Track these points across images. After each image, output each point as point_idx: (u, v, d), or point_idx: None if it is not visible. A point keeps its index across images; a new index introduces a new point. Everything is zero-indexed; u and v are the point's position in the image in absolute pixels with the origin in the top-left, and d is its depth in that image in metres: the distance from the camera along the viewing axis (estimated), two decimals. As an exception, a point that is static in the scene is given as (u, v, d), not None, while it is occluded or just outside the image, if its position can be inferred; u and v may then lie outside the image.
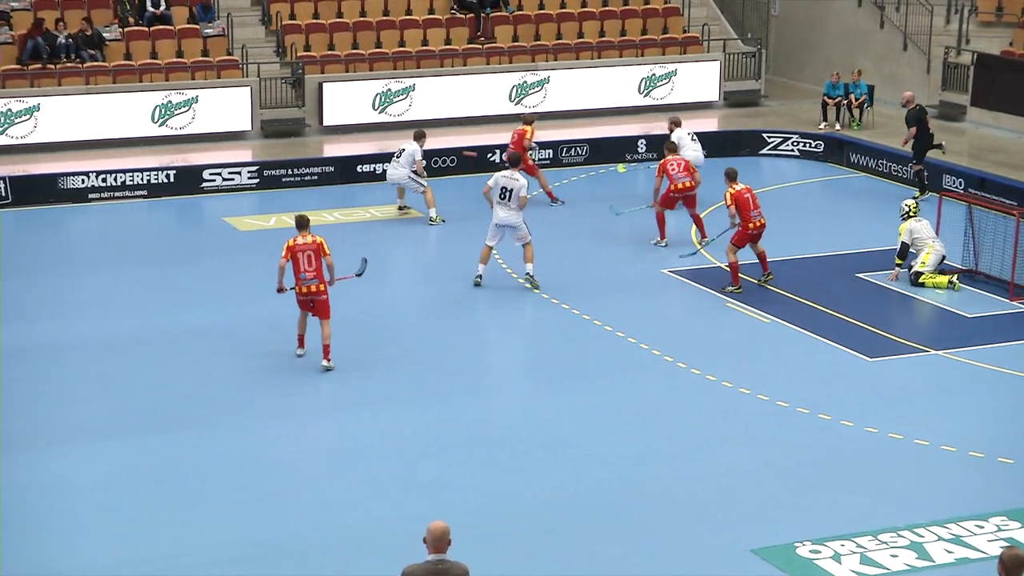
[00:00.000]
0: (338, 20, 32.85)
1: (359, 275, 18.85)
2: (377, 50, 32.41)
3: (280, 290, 18.35)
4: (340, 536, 14.08)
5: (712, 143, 29.78)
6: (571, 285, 21.79)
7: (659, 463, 15.82)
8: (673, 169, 23.72)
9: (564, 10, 34.58)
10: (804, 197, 28.28)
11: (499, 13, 33.94)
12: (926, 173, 26.89)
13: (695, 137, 26.65)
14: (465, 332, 20.22)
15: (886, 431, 16.50)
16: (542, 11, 34.43)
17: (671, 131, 26.88)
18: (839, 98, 32.14)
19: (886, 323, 20.33)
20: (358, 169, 28.31)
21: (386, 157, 26.52)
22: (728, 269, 21.62)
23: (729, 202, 21.46)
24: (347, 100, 31.23)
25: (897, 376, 18.66)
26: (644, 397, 17.76)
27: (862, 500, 14.93)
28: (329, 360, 18.25)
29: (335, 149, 29.82)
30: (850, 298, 21.47)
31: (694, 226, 24.03)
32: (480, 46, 33.17)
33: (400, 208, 26.03)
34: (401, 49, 32.55)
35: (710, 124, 32.09)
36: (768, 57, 35.90)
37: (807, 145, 30.90)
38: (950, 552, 13.75)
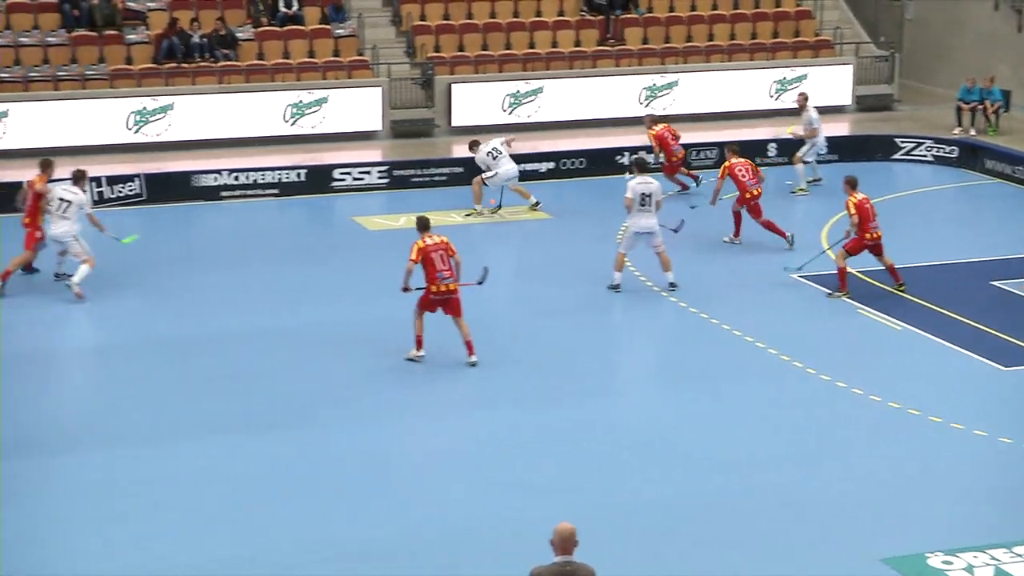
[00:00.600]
0: (468, 21, 32.98)
1: (480, 283, 18.83)
2: (507, 51, 32.49)
3: (406, 289, 18.40)
4: (455, 536, 14.08)
5: (844, 148, 29.54)
6: (698, 288, 21.61)
7: (786, 469, 15.62)
8: (744, 176, 23.27)
9: (694, 12, 34.39)
10: (937, 203, 27.81)
11: (629, 15, 33.86)
12: None
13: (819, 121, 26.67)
14: (590, 334, 20.13)
15: (1021, 442, 16.14)
16: (672, 13, 34.26)
17: (801, 107, 26.72)
18: (974, 103, 31.55)
19: (1022, 332, 19.88)
20: (486, 170, 28.38)
21: (515, 159, 26.35)
22: (836, 274, 21.34)
23: (853, 211, 21.14)
24: (476, 101, 31.36)
25: (1033, 386, 18.26)
26: (771, 402, 17.55)
27: (996, 511, 14.62)
28: (474, 355, 18.34)
29: (464, 150, 29.85)
30: (984, 306, 21.04)
31: (823, 232, 23.68)
32: (610, 48, 33.11)
33: (495, 209, 26.05)
34: (531, 51, 32.60)
35: (842, 128, 31.70)
36: (902, 61, 35.36)
37: (941, 151, 30.36)
38: (1087, 567, 13.43)
